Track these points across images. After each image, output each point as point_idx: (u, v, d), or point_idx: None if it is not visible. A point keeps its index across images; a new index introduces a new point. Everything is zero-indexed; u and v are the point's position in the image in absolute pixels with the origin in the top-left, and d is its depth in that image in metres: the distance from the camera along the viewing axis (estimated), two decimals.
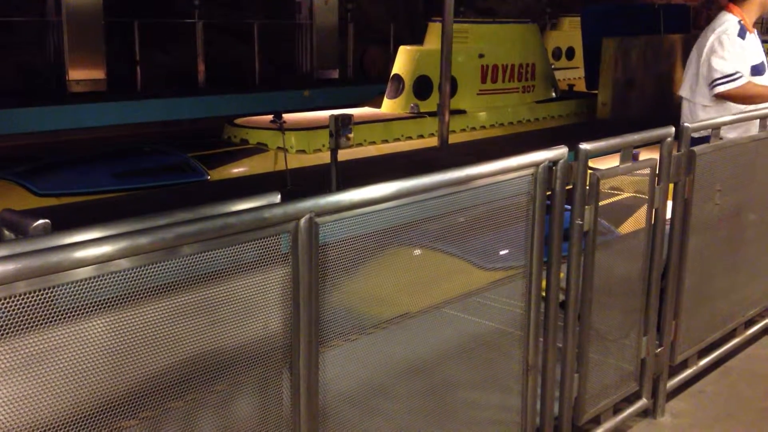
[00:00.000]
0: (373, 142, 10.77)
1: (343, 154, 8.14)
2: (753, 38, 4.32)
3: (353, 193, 2.11)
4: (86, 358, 1.59)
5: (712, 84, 4.20)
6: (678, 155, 3.39)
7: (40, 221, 1.68)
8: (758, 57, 4.35)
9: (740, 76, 4.19)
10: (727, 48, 4.17)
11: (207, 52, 15.46)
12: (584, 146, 2.87)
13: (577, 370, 3.07)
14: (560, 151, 2.78)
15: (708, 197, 3.65)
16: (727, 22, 4.24)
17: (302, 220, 1.95)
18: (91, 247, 1.55)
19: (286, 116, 9.40)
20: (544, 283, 2.90)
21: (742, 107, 4.28)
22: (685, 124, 3.48)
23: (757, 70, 4.30)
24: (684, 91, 4.38)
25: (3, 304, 1.44)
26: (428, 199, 2.34)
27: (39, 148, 11.05)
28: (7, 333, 1.45)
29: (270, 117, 9.51)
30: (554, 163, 2.76)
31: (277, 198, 2.07)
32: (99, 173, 8.36)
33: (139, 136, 12.25)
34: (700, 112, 4.28)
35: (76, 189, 7.88)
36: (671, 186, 3.41)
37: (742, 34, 4.23)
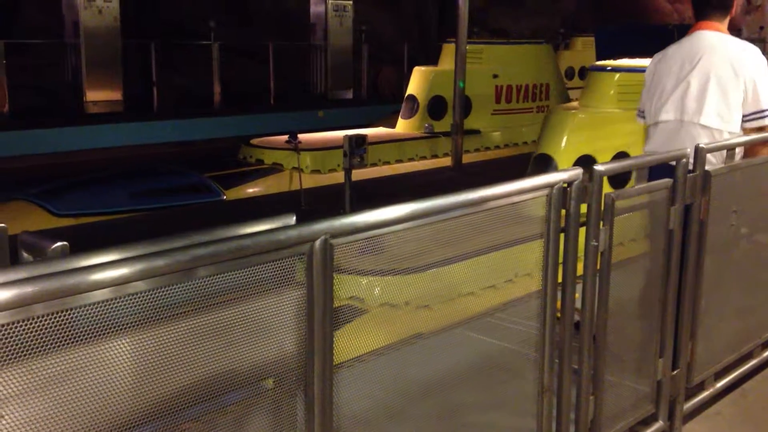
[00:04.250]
0: (388, 162, 10.81)
1: (358, 174, 8.17)
2: None
3: (368, 214, 2.11)
4: (102, 380, 1.59)
5: (762, 114, 3.81)
6: (693, 176, 3.38)
7: (58, 243, 1.69)
8: None
9: None
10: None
11: (223, 73, 15.59)
12: (599, 168, 2.87)
13: (593, 393, 3.05)
14: (575, 172, 2.79)
15: (723, 218, 3.63)
16: (742, 43, 3.94)
17: (317, 242, 1.95)
18: (108, 269, 1.57)
19: (301, 136, 9.47)
20: (559, 304, 2.89)
21: None
22: (701, 145, 3.47)
23: None
24: (709, 120, 3.85)
25: (21, 326, 1.45)
26: (443, 220, 2.34)
27: (57, 168, 11.15)
28: (25, 355, 1.47)
29: (285, 137, 9.58)
30: (569, 184, 2.77)
31: (293, 219, 2.08)
32: (116, 193, 8.43)
33: (156, 156, 12.34)
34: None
35: (94, 209, 7.95)
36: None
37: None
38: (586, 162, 5.97)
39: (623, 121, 6.46)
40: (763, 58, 3.91)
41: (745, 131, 3.90)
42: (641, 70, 6.97)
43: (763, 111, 3.84)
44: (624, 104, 6.67)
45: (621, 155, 6.23)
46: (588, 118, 6.70)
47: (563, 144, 6.47)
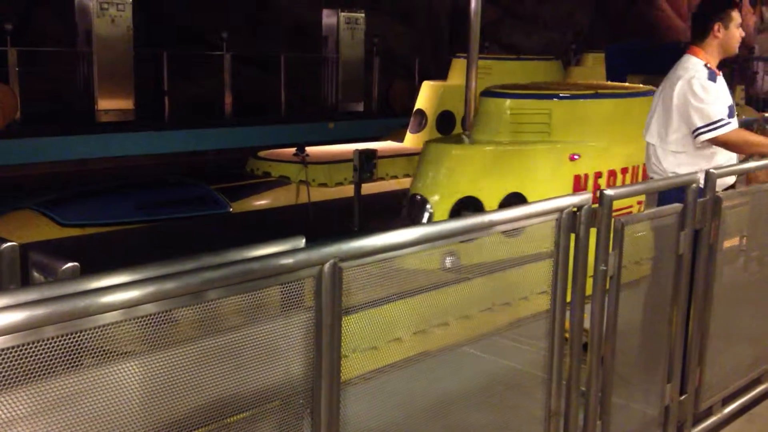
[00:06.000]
0: (395, 176, 10.81)
1: (366, 188, 8.19)
2: (721, 80, 4.11)
3: (376, 238, 2.12)
4: (112, 402, 1.60)
5: (697, 132, 3.93)
6: (703, 201, 3.37)
7: (69, 264, 1.70)
8: (728, 99, 4.12)
9: (726, 122, 3.94)
10: (701, 94, 3.95)
11: (234, 83, 15.65)
12: (608, 192, 2.87)
13: (601, 417, 3.04)
14: (584, 197, 2.79)
15: (733, 242, 3.62)
16: (694, 67, 4.04)
17: (326, 266, 1.96)
18: (119, 291, 1.57)
19: (308, 149, 9.49)
20: (567, 324, 2.89)
21: (727, 155, 4.01)
22: (711, 170, 3.46)
23: (729, 113, 4.02)
24: (651, 138, 4.12)
25: (31, 348, 1.46)
26: (452, 244, 2.35)
27: (66, 177, 11.21)
28: (35, 376, 1.47)
29: (293, 150, 9.61)
30: (579, 208, 2.77)
31: (302, 242, 2.09)
32: (122, 204, 8.44)
33: (165, 166, 12.39)
34: (670, 158, 4.01)
35: (99, 220, 7.95)
36: None
37: (711, 77, 4.01)
38: (468, 205, 5.20)
39: (518, 156, 5.49)
40: (701, 81, 3.98)
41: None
42: (539, 96, 5.71)
43: (696, 130, 3.95)
44: (519, 136, 5.55)
45: (514, 197, 5.28)
46: (471, 154, 5.52)
47: (439, 184, 5.39)
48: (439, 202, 5.31)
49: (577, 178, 5.43)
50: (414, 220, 5.13)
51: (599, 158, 5.49)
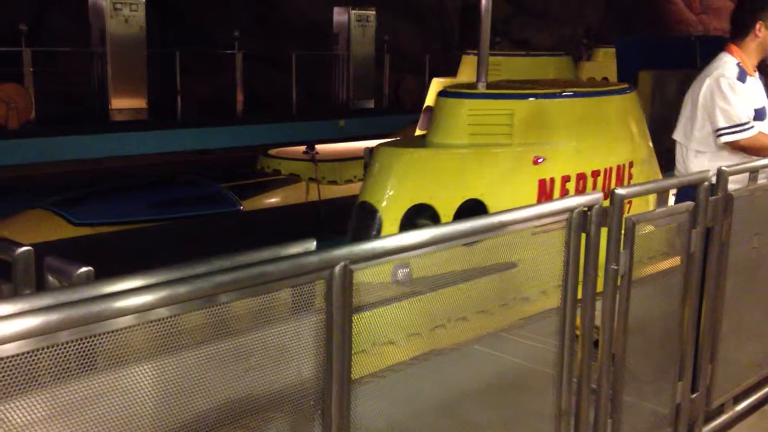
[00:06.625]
0: None
1: None
2: (753, 81, 4.05)
3: (387, 240, 2.14)
4: (125, 405, 1.62)
5: (719, 133, 3.92)
6: (715, 199, 3.37)
7: (83, 269, 1.72)
8: (759, 101, 4.06)
9: (750, 126, 3.90)
10: (728, 94, 3.90)
11: (246, 82, 15.71)
12: (619, 191, 2.87)
13: (611, 415, 3.04)
14: (595, 197, 2.79)
15: (745, 240, 3.61)
16: (725, 65, 3.99)
17: (337, 268, 1.97)
18: (132, 296, 1.59)
19: (318, 147, 9.52)
20: (578, 321, 2.89)
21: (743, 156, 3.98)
22: (722, 167, 3.46)
23: (757, 115, 4.01)
24: (678, 135, 4.13)
25: (46, 353, 1.48)
26: (462, 245, 2.36)
27: (79, 176, 11.29)
28: (49, 381, 1.49)
29: (303, 148, 9.65)
30: (589, 207, 2.77)
31: (313, 244, 2.10)
32: (134, 203, 8.48)
33: (177, 164, 12.45)
34: (692, 157, 4.02)
35: (111, 219, 8.00)
36: None
37: (741, 77, 3.95)
38: (421, 213, 4.80)
39: (476, 160, 5.03)
40: (729, 80, 3.93)
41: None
42: (500, 96, 5.27)
43: (718, 130, 3.94)
44: (478, 138, 5.06)
45: (472, 204, 4.89)
46: (424, 159, 5.03)
47: (389, 192, 4.88)
48: (388, 210, 4.81)
49: (542, 182, 5.06)
50: (362, 231, 4.71)
51: (567, 161, 5.13)
